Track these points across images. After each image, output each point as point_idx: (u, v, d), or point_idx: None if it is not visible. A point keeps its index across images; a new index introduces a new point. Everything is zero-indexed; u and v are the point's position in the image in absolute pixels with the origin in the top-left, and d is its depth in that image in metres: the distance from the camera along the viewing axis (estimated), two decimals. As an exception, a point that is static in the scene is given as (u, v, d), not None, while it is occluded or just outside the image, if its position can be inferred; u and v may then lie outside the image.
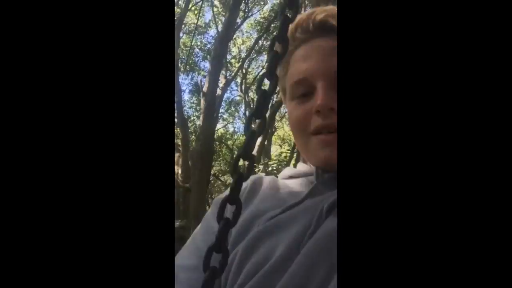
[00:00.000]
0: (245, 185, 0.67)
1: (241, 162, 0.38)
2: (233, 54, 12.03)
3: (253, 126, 0.40)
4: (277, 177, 0.74)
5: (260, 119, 0.40)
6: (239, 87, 11.44)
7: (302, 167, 0.68)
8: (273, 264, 0.50)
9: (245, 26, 11.78)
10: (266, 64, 0.40)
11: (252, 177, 0.70)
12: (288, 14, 0.39)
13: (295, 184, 0.66)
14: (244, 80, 11.25)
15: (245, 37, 12.19)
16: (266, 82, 0.41)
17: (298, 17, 0.65)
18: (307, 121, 0.61)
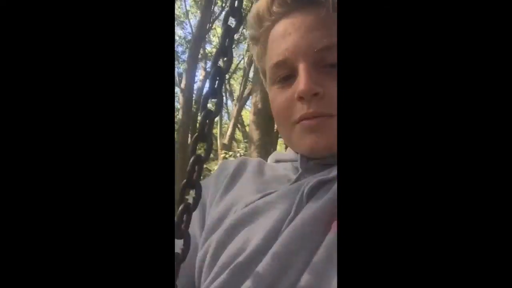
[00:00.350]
0: (230, 169, 0.61)
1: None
2: (214, 43, 11.91)
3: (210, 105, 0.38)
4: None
5: (216, 99, 0.37)
6: (220, 76, 11.34)
7: (290, 151, 0.62)
8: (248, 255, 0.45)
9: (224, 15, 11.59)
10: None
11: (237, 160, 0.65)
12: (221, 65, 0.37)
13: (280, 168, 0.60)
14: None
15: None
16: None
17: None
18: (290, 108, 0.54)
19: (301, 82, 0.51)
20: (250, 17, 0.59)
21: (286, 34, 0.54)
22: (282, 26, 0.55)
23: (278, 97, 0.56)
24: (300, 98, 0.51)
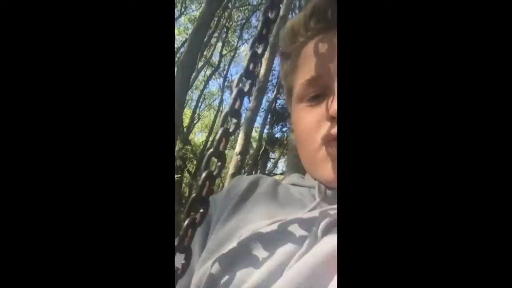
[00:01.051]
0: (242, 186, 0.55)
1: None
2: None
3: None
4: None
5: (236, 119, 0.37)
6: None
7: (308, 177, 0.55)
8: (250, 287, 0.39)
9: (182, 19, 11.55)
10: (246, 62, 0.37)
11: (251, 177, 0.57)
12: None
13: (295, 192, 0.53)
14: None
15: (181, 28, 11.91)
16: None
17: (314, 1, 0.51)
18: (318, 128, 0.47)
19: (335, 102, 0.45)
20: (284, 32, 0.55)
21: (323, 51, 0.49)
22: (318, 43, 0.50)
23: (305, 115, 0.50)
24: (333, 118, 0.46)
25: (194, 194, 0.36)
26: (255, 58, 0.36)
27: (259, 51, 0.36)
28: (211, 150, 0.36)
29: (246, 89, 0.36)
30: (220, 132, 0.36)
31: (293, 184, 0.56)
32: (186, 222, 0.36)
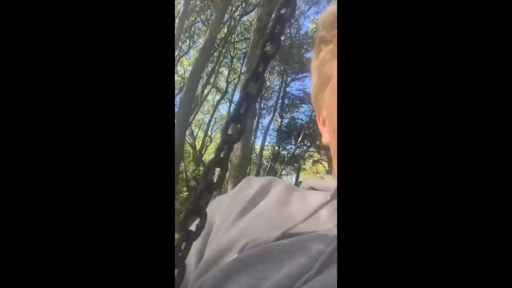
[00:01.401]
0: (252, 189, 0.49)
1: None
2: (180, 73, 12.01)
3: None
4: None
5: (240, 124, 0.33)
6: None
7: (329, 179, 0.50)
8: None
9: (192, 52, 11.96)
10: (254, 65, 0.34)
11: (262, 179, 0.51)
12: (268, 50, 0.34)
13: (312, 199, 0.47)
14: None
15: (191, 59, 12.22)
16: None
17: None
18: None
19: None
20: (325, 18, 0.51)
21: None
22: None
23: None
24: None
25: (190, 206, 0.32)
26: (265, 59, 0.33)
27: (270, 51, 0.33)
28: (212, 158, 0.32)
29: (253, 93, 0.33)
30: (222, 139, 0.32)
31: (311, 188, 0.49)
32: (180, 235, 0.32)
